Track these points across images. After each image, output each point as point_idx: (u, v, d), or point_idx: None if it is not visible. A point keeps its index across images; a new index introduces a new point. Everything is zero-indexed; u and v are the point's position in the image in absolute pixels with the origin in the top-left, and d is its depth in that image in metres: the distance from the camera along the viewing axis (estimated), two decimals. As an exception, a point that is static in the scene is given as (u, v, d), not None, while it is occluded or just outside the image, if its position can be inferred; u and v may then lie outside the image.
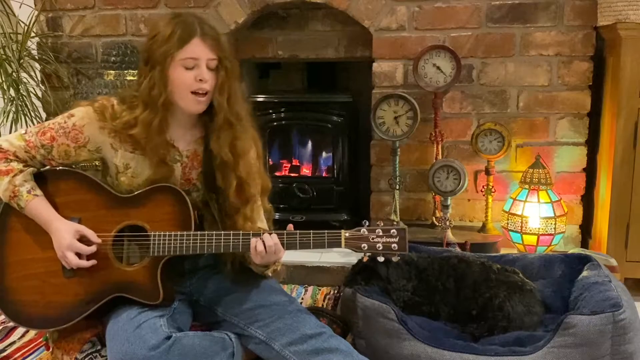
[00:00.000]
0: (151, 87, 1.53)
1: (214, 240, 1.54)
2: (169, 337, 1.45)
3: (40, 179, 1.60)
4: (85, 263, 1.54)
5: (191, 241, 1.55)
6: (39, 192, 1.57)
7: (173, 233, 1.55)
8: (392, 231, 1.55)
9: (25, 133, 1.60)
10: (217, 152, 1.60)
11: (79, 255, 1.54)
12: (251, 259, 1.59)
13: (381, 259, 1.56)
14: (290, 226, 1.57)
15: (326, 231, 1.54)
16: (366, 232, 1.55)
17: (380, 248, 1.55)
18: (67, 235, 1.53)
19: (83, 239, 1.55)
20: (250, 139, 1.67)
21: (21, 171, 1.56)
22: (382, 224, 1.56)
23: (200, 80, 1.53)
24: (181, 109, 1.58)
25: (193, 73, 1.53)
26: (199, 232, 1.56)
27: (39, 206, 1.56)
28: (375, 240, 1.55)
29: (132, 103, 1.58)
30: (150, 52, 1.54)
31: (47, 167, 1.63)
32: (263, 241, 1.52)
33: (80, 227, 1.55)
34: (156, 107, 1.54)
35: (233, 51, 1.61)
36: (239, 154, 1.62)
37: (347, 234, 1.55)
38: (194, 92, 1.54)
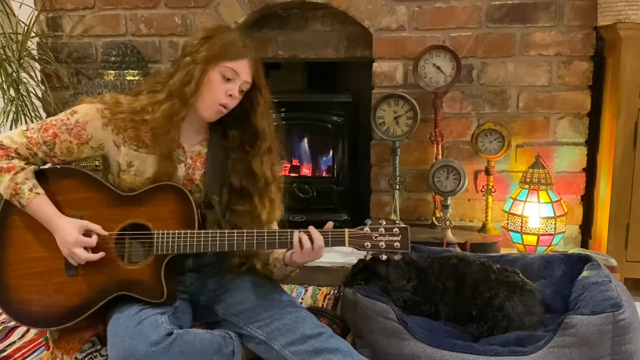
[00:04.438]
0: (187, 82, 1.57)
1: (217, 239, 1.54)
2: (170, 334, 1.45)
3: (42, 177, 1.59)
4: (94, 256, 1.53)
5: (195, 239, 1.54)
6: (40, 190, 1.56)
7: (177, 231, 1.54)
8: (394, 230, 1.55)
9: (27, 130, 1.58)
10: (262, 174, 1.66)
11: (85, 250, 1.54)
12: (275, 263, 1.62)
13: (383, 257, 1.56)
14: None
15: (330, 230, 1.55)
16: (369, 231, 1.55)
17: (383, 247, 1.55)
18: (72, 232, 1.52)
19: (88, 234, 1.54)
20: (281, 169, 1.74)
21: (23, 169, 1.55)
22: (384, 222, 1.56)
23: (230, 95, 1.59)
24: (197, 112, 1.60)
25: (226, 86, 1.58)
26: (202, 231, 1.55)
27: (40, 204, 1.55)
28: (378, 238, 1.55)
29: (155, 89, 1.61)
30: (199, 48, 1.58)
31: (49, 166, 1.62)
32: (310, 237, 1.52)
33: (84, 222, 1.55)
34: (185, 101, 1.57)
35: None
36: (275, 178, 1.69)
37: (350, 233, 1.55)
38: (220, 104, 1.59)
